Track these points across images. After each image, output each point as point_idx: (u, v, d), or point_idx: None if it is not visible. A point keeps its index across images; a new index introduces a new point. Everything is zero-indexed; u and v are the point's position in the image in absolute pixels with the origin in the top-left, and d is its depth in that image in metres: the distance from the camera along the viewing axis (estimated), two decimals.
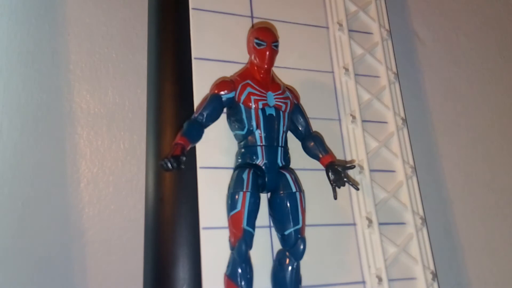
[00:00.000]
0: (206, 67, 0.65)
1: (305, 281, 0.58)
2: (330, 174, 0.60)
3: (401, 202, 0.70)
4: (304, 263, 0.56)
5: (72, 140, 0.71)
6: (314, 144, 0.62)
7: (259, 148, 0.58)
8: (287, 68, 0.70)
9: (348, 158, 0.70)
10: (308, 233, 0.58)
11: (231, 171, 0.59)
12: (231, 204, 0.55)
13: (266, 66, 0.60)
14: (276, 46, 0.61)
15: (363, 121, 0.72)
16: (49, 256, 0.65)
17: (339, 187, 0.59)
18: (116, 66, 0.76)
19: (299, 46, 0.73)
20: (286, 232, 0.56)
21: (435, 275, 0.67)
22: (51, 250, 0.65)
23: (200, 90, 0.63)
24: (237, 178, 0.56)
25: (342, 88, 0.73)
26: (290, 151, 0.61)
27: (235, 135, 0.62)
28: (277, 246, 0.58)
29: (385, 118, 0.75)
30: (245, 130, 0.59)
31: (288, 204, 0.57)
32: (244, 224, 0.53)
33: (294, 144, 0.63)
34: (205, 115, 0.58)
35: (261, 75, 0.61)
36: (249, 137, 0.59)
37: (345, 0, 0.78)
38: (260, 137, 0.58)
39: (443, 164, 0.90)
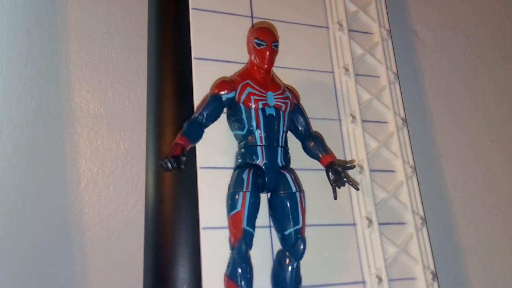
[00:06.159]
0: (206, 67, 0.65)
1: (305, 281, 0.58)
2: (330, 174, 0.60)
3: (401, 202, 0.70)
4: (304, 263, 0.56)
5: (72, 140, 0.71)
6: (314, 144, 0.62)
7: (259, 148, 0.58)
8: (287, 68, 0.70)
9: (348, 158, 0.70)
10: (308, 233, 0.58)
11: (231, 171, 0.59)
12: (231, 204, 0.55)
13: (266, 66, 0.60)
14: (276, 46, 0.61)
15: (363, 121, 0.72)
16: (49, 256, 0.65)
17: (339, 187, 0.59)
18: (116, 66, 0.76)
19: (299, 46, 0.73)
20: (286, 232, 0.56)
21: (435, 275, 0.67)
22: (51, 250, 0.65)
23: (200, 90, 0.63)
24: (237, 178, 0.56)
25: (342, 88, 0.73)
26: (290, 151, 0.61)
27: (235, 135, 0.62)
28: (277, 246, 0.58)
29: (385, 118, 0.75)
30: (245, 130, 0.59)
31: (288, 204, 0.57)
32: (244, 224, 0.53)
33: (294, 144, 0.63)
34: (205, 115, 0.58)
35: (261, 75, 0.61)
36: (249, 137, 0.59)
37: (345, 0, 0.78)
38: (260, 137, 0.58)
39: (443, 164, 0.90)
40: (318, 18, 0.76)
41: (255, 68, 0.61)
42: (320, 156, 0.62)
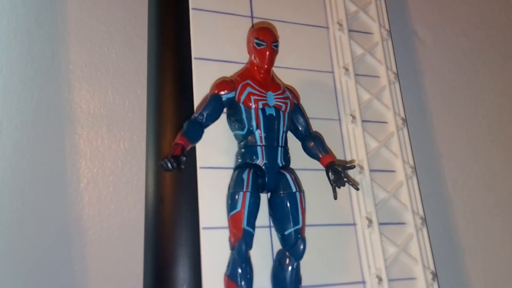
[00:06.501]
0: (206, 67, 0.65)
1: (305, 281, 0.58)
2: (330, 174, 0.60)
3: (401, 202, 0.70)
4: (304, 263, 0.56)
5: (72, 140, 0.71)
6: (314, 144, 0.62)
7: (259, 148, 0.58)
8: (287, 68, 0.70)
9: (348, 158, 0.70)
10: (308, 233, 0.58)
11: (231, 171, 0.59)
12: (231, 204, 0.55)
13: (266, 66, 0.60)
14: (276, 46, 0.61)
15: (363, 121, 0.72)
16: (49, 256, 0.65)
17: (339, 187, 0.59)
18: (116, 66, 0.76)
19: (299, 46, 0.73)
20: (286, 232, 0.56)
21: (435, 275, 0.67)
22: (51, 250, 0.65)
23: (200, 90, 0.63)
24: (237, 178, 0.56)
25: (342, 88, 0.73)
26: (290, 151, 0.61)
27: (235, 135, 0.62)
28: (277, 246, 0.58)
29: (385, 118, 0.75)
30: (245, 130, 0.59)
31: (288, 204, 0.57)
32: (244, 224, 0.53)
33: (294, 144, 0.63)
34: (205, 115, 0.58)
35: (261, 75, 0.61)
36: (249, 137, 0.59)
37: (345, 0, 0.78)
38: (260, 137, 0.58)
39: (443, 164, 0.90)
40: (318, 18, 0.76)
41: (255, 68, 0.61)
42: (320, 156, 0.62)
